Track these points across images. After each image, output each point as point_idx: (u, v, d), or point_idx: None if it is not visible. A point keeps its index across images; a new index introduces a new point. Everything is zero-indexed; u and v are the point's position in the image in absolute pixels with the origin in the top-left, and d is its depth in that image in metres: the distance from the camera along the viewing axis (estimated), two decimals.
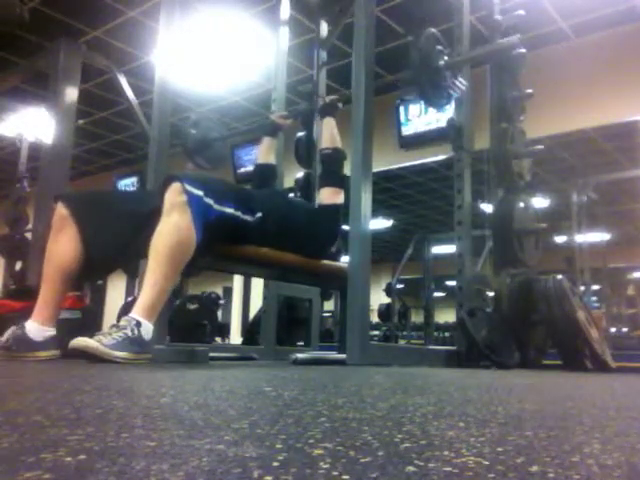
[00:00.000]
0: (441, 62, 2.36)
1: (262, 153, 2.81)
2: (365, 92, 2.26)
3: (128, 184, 6.93)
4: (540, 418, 0.78)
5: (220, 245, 2.03)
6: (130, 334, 1.65)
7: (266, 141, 2.81)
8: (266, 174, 2.75)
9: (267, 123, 2.90)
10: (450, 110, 3.38)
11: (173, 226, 1.76)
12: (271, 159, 2.81)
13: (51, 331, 1.86)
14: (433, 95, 2.43)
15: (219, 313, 7.37)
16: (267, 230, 2.12)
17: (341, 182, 2.50)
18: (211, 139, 3.11)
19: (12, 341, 1.79)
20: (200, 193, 1.83)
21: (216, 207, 1.91)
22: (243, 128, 6.57)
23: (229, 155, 5.95)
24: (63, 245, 1.90)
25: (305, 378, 1.38)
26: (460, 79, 2.44)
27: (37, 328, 1.84)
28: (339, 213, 2.48)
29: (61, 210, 1.93)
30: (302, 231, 2.33)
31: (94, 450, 0.45)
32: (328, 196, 2.48)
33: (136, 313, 1.71)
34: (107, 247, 1.93)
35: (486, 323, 2.79)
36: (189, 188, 1.80)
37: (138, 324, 1.68)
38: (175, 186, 1.79)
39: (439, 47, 2.38)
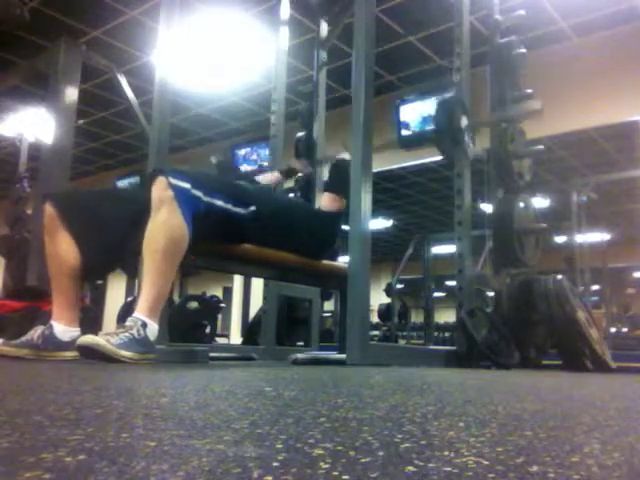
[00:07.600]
0: (463, 124, 2.54)
1: (265, 181, 2.71)
2: (365, 92, 2.26)
3: (128, 184, 6.91)
4: (540, 418, 0.78)
5: (215, 241, 2.00)
6: (136, 335, 1.64)
7: (275, 176, 2.78)
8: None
9: (285, 167, 2.90)
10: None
11: (163, 223, 1.72)
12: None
13: (76, 331, 1.89)
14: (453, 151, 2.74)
15: (219, 316, 7.37)
16: (262, 225, 2.08)
17: (343, 189, 2.41)
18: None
19: (41, 341, 1.85)
20: (187, 186, 1.79)
21: (205, 199, 1.86)
22: (243, 128, 6.56)
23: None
24: (60, 245, 1.89)
25: (305, 378, 1.38)
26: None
27: (63, 329, 1.88)
28: (339, 218, 2.45)
29: (49, 210, 1.90)
30: (299, 229, 2.29)
31: (94, 450, 0.45)
32: (328, 202, 2.44)
33: (140, 313, 1.69)
34: (98, 248, 1.90)
35: (486, 323, 2.79)
36: (174, 182, 1.74)
37: (144, 325, 1.67)
38: (160, 181, 1.74)
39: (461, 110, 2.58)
